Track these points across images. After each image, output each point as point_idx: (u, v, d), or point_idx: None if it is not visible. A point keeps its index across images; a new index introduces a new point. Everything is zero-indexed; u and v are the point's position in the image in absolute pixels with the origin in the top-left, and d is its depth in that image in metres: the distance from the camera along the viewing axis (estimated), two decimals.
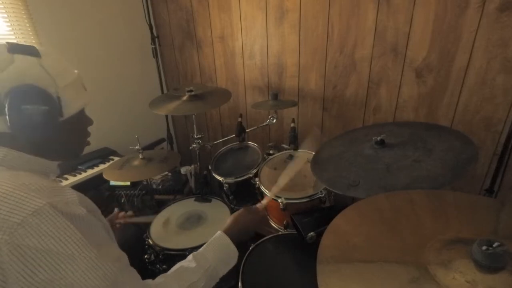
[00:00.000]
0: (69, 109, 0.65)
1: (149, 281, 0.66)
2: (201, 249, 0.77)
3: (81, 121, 0.71)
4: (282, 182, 1.02)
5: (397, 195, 0.76)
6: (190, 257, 0.74)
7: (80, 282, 0.50)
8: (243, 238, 0.87)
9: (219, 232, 0.80)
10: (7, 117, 0.56)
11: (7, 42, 0.61)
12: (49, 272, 0.49)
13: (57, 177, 1.44)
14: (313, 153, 1.20)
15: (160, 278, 0.69)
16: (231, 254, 0.78)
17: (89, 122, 0.74)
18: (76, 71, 0.70)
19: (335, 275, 0.55)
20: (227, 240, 0.78)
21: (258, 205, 0.95)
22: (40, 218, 0.49)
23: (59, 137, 0.66)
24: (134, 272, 0.63)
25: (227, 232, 0.81)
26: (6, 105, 0.56)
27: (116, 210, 1.13)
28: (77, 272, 0.50)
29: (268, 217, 1.38)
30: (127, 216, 1.16)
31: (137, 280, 0.63)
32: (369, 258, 0.58)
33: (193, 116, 1.77)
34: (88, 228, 0.55)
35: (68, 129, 0.67)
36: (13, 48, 0.60)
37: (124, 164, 1.43)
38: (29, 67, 0.60)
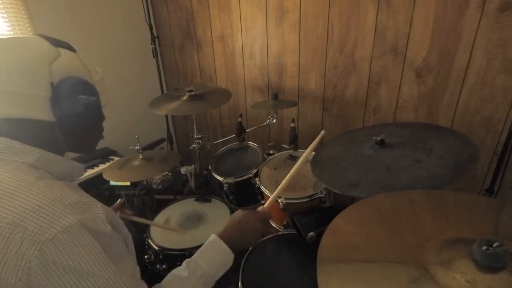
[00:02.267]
0: (102, 103, 0.69)
1: None
2: (194, 255, 0.75)
3: (102, 115, 0.74)
4: (284, 184, 0.96)
5: (397, 195, 0.76)
6: (183, 265, 0.73)
7: None
8: (244, 241, 0.83)
9: (212, 236, 0.78)
10: (59, 105, 0.59)
11: (45, 36, 0.63)
12: (70, 287, 0.50)
13: None
14: (313, 152, 1.20)
15: None
16: (225, 257, 0.76)
17: (104, 117, 0.77)
18: (98, 69, 0.73)
19: (335, 275, 0.55)
20: (219, 242, 0.76)
21: (259, 208, 0.90)
22: (69, 236, 0.51)
23: (86, 130, 0.69)
24: (144, 285, 0.63)
25: (222, 234, 0.78)
26: (63, 94, 0.58)
27: (119, 200, 1.11)
28: None
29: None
30: (127, 214, 1.14)
31: None
32: (369, 258, 0.58)
33: (193, 116, 1.77)
34: (111, 245, 0.57)
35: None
36: (55, 42, 0.63)
37: (124, 164, 1.43)
38: (73, 61, 0.63)
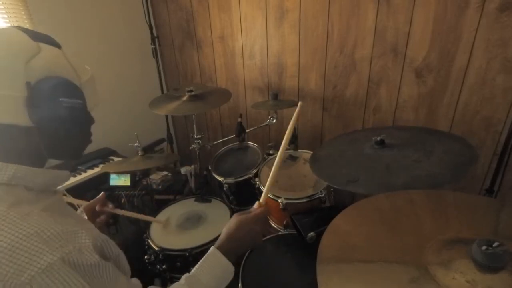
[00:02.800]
0: (88, 106, 0.62)
1: None
2: (194, 269, 0.72)
3: (90, 119, 0.68)
4: (274, 170, 0.87)
5: (397, 195, 0.76)
6: (183, 280, 0.70)
7: None
8: (246, 247, 0.81)
9: (212, 249, 0.75)
10: (37, 109, 0.52)
11: (23, 28, 0.55)
12: None
13: None
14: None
15: None
16: (227, 271, 0.73)
17: (93, 121, 0.71)
18: (87, 67, 0.67)
19: (335, 275, 0.55)
20: (220, 257, 0.73)
21: (255, 205, 0.84)
22: (50, 276, 0.45)
23: (70, 135, 0.62)
24: None
25: (220, 246, 0.74)
26: (42, 96, 0.52)
27: (102, 194, 1.02)
28: None
29: (268, 217, 1.38)
30: (109, 208, 1.02)
31: None
32: (369, 258, 0.58)
33: (193, 116, 1.77)
34: (99, 275, 0.52)
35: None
36: (36, 36, 0.55)
37: (123, 162, 1.43)
38: (56, 58, 0.57)
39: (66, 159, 0.69)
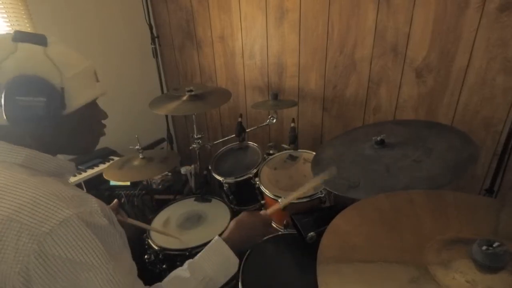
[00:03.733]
0: (75, 101, 0.62)
1: None
2: (197, 256, 0.73)
3: (93, 114, 0.69)
4: (295, 195, 0.95)
5: (397, 195, 0.76)
6: (185, 265, 0.71)
7: None
8: (247, 244, 0.82)
9: (216, 238, 0.76)
10: (2, 108, 0.55)
11: (15, 31, 0.58)
12: (69, 279, 0.51)
13: None
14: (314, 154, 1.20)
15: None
16: (230, 262, 0.74)
17: (103, 115, 0.72)
18: (89, 61, 0.67)
19: (335, 275, 0.55)
20: (224, 246, 0.74)
21: (262, 212, 0.88)
22: (67, 229, 0.50)
23: (65, 131, 0.64)
24: (141, 285, 0.63)
25: (226, 237, 0.76)
26: (2, 96, 0.54)
27: (115, 201, 1.05)
28: (93, 282, 0.52)
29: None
30: (122, 216, 1.05)
31: None
32: (369, 258, 0.57)
33: (193, 116, 1.77)
34: (108, 239, 0.56)
35: (76, 122, 0.64)
36: (18, 37, 0.57)
37: (124, 164, 1.43)
38: (32, 56, 0.57)
39: (74, 153, 0.73)
